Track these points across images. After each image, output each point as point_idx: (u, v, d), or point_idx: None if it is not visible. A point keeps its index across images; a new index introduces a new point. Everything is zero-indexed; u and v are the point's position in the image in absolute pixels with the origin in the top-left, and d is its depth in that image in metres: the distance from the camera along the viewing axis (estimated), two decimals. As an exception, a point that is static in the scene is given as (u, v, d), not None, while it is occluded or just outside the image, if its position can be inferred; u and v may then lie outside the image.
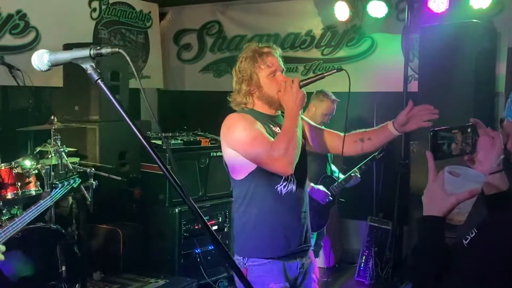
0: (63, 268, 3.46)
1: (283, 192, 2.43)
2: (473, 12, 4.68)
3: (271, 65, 2.45)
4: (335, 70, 2.46)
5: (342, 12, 5.40)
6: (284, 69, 2.53)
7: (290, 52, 6.00)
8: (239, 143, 2.37)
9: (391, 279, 4.94)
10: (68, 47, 4.80)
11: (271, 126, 2.48)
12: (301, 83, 2.39)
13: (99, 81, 1.36)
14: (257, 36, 6.24)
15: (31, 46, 5.19)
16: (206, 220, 1.46)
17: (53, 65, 1.42)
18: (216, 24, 6.55)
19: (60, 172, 3.72)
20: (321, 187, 4.28)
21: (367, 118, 5.32)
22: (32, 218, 2.99)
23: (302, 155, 2.50)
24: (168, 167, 1.41)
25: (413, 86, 5.05)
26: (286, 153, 2.28)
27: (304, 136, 2.60)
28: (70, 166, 3.88)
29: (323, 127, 2.90)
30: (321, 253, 5.13)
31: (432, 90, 4.63)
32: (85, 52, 1.37)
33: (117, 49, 1.36)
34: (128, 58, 1.34)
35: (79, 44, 4.99)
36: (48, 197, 3.04)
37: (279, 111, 2.55)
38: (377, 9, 5.24)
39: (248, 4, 6.31)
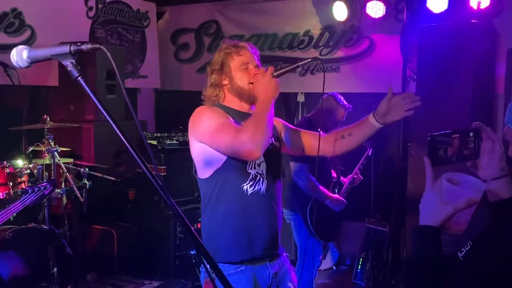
0: (55, 269, 3.41)
1: (249, 192, 2.33)
2: (473, 12, 4.64)
3: (244, 57, 2.39)
4: (309, 59, 2.38)
5: (340, 12, 5.37)
6: (259, 66, 2.44)
7: (288, 52, 5.96)
8: (206, 131, 2.28)
9: (388, 281, 4.90)
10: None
11: (242, 123, 2.33)
12: (274, 73, 2.31)
13: (79, 78, 1.31)
14: (255, 36, 6.20)
15: (27, 45, 5.13)
16: (187, 221, 1.40)
17: (33, 61, 1.38)
18: (214, 23, 6.51)
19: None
20: (337, 196, 4.21)
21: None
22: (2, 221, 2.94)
23: (275, 155, 2.44)
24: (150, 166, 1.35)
25: (412, 87, 5.00)
26: (254, 135, 2.15)
27: (278, 138, 2.53)
28: (63, 166, 3.84)
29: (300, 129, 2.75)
30: (328, 255, 5.14)
31: (431, 91, 4.59)
32: (65, 49, 1.33)
33: (97, 45, 1.31)
34: (109, 54, 1.30)
35: (76, 42, 4.97)
36: (18, 201, 2.98)
37: (252, 109, 2.42)
38: (375, 9, 5.21)
39: (246, 4, 6.27)
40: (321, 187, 4.00)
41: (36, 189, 3.06)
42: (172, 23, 6.79)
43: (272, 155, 2.43)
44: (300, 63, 2.40)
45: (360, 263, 5.12)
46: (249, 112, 2.40)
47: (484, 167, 1.46)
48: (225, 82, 2.40)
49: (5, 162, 3.62)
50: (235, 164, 2.31)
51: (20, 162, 3.70)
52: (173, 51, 6.82)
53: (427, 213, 1.41)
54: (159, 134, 4.94)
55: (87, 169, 4.05)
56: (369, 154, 4.65)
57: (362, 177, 4.47)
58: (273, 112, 2.29)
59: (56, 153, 3.75)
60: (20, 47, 1.38)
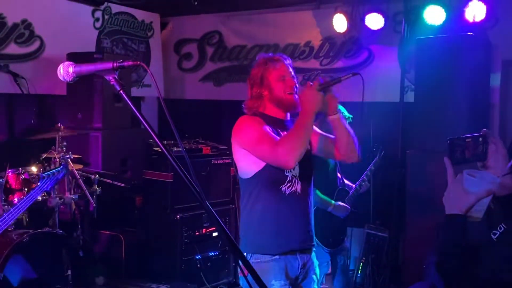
0: (69, 272, 3.53)
1: (287, 192, 2.57)
2: (468, 25, 4.79)
3: (281, 70, 2.62)
4: (350, 74, 2.61)
5: (340, 23, 5.51)
6: (295, 76, 2.67)
7: (289, 62, 6.10)
8: (248, 140, 2.52)
9: (388, 286, 5.01)
10: (72, 56, 4.91)
11: (279, 130, 2.61)
12: (318, 87, 2.52)
13: (121, 91, 1.45)
14: (257, 47, 6.35)
15: (36, 55, 5.29)
16: (219, 221, 1.54)
17: (78, 76, 1.51)
18: (217, 34, 6.66)
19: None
20: (340, 203, 4.25)
21: (363, 129, 5.42)
22: (26, 207, 3.06)
23: (308, 159, 2.65)
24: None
25: (410, 97, 5.15)
26: (291, 148, 2.41)
27: (309, 141, 2.71)
28: (76, 172, 3.96)
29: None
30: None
31: (428, 101, 4.73)
32: (108, 65, 1.46)
33: (138, 62, 1.45)
34: (148, 70, 1.44)
35: (83, 53, 5.12)
36: (36, 187, 3.11)
37: (289, 116, 2.69)
38: (374, 21, 5.35)
39: (248, 15, 6.42)
40: (322, 196, 4.06)
41: (51, 175, 3.20)
42: (176, 34, 6.94)
43: (306, 158, 2.64)
44: (343, 78, 2.60)
45: (360, 268, 5.21)
46: (285, 119, 2.67)
47: (492, 167, 1.69)
48: (266, 93, 2.62)
49: (20, 169, 3.74)
50: (274, 168, 2.54)
51: (34, 169, 3.82)
52: (177, 60, 6.96)
53: (453, 203, 1.63)
54: (165, 142, 5.06)
55: (97, 176, 4.16)
56: (377, 160, 4.67)
57: (368, 184, 4.52)
58: (312, 123, 2.51)
59: (69, 159, 3.87)
60: (67, 63, 1.51)
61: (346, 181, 4.52)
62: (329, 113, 2.66)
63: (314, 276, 2.74)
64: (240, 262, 1.54)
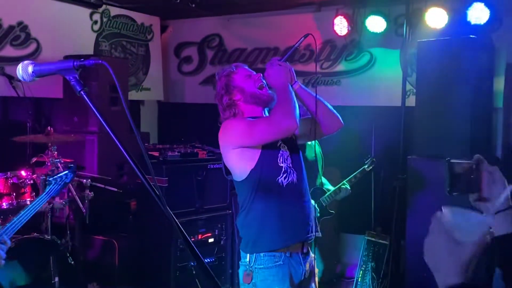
0: (56, 279, 3.45)
1: (285, 183, 2.52)
2: (471, 28, 4.70)
3: (243, 71, 2.61)
4: (302, 38, 2.64)
5: (341, 26, 5.44)
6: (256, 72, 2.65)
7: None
8: (241, 133, 2.46)
9: (388, 294, 4.92)
10: (68, 59, 4.85)
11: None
12: (280, 61, 2.53)
13: (82, 92, 1.37)
14: (257, 50, 6.29)
15: (32, 58, 5.23)
16: (184, 232, 1.45)
17: (38, 76, 1.43)
18: (217, 37, 6.61)
19: (52, 169, 3.75)
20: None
21: (365, 132, 5.34)
22: (33, 213, 2.97)
23: (295, 147, 2.63)
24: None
25: (411, 101, 5.05)
26: (286, 111, 2.38)
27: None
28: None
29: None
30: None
31: (430, 105, 4.64)
32: (68, 64, 1.38)
33: (99, 61, 1.37)
34: (110, 69, 1.36)
35: (80, 56, 5.06)
36: (44, 194, 3.03)
37: (267, 112, 2.64)
38: (376, 24, 5.28)
39: (249, 18, 6.36)
40: None
41: (58, 179, 3.13)
42: (176, 37, 6.89)
43: (294, 147, 2.63)
44: (296, 44, 2.65)
45: (360, 275, 5.13)
46: (264, 116, 2.62)
47: (488, 199, 1.51)
48: (238, 97, 2.57)
49: (9, 173, 3.68)
50: (268, 160, 2.50)
51: (23, 173, 3.75)
52: (176, 64, 6.91)
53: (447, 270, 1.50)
54: (161, 146, 4.99)
55: (89, 180, 4.09)
56: (367, 169, 4.62)
57: (350, 190, 4.44)
58: (292, 93, 2.47)
59: (59, 164, 3.80)
60: (26, 62, 1.44)
61: (328, 187, 4.46)
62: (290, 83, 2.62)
63: (313, 284, 2.71)
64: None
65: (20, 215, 2.81)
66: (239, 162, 2.52)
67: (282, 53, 6.09)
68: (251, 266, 2.51)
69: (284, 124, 2.38)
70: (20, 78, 1.44)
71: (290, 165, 2.55)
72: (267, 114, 2.64)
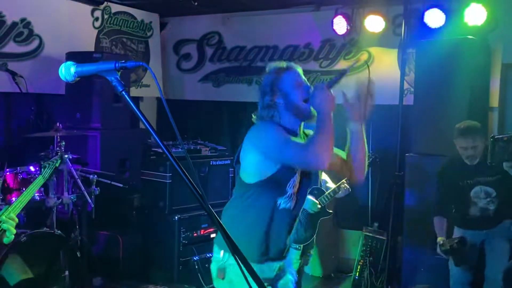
0: (66, 272, 3.51)
1: (281, 207, 2.48)
2: (468, 28, 4.79)
3: (296, 76, 2.47)
4: (354, 62, 2.47)
5: (340, 26, 5.51)
6: (308, 84, 2.52)
7: (289, 64, 6.10)
8: (272, 145, 2.37)
9: (385, 288, 5.01)
10: (71, 55, 4.89)
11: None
12: (328, 85, 2.38)
13: (123, 92, 1.44)
14: (256, 48, 6.35)
15: (35, 54, 5.27)
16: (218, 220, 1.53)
17: (80, 76, 1.50)
18: (216, 35, 6.65)
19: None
20: (310, 197, 4.27)
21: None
22: (31, 196, 3.05)
23: (307, 175, 2.55)
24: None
25: (409, 100, 5.14)
26: (320, 148, 2.28)
27: None
28: (74, 172, 3.94)
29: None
30: (312, 262, 5.17)
31: (427, 104, 4.74)
32: (110, 65, 1.45)
33: (140, 63, 1.44)
34: (151, 71, 1.43)
35: (82, 53, 5.11)
36: (40, 176, 3.11)
37: (302, 126, 2.54)
38: (374, 23, 5.36)
39: (248, 16, 6.41)
40: None
41: (50, 164, 3.21)
42: (175, 34, 6.93)
43: (308, 174, 2.56)
44: (347, 68, 2.44)
45: (358, 270, 5.22)
46: (297, 132, 2.50)
47: None
48: (280, 101, 2.46)
49: (18, 168, 3.73)
50: (279, 180, 2.45)
51: (32, 168, 3.80)
52: (176, 61, 6.95)
53: None
54: (164, 142, 5.04)
55: (95, 176, 4.15)
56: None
57: (349, 188, 4.53)
58: (333, 124, 2.35)
59: (68, 159, 3.85)
60: (68, 63, 1.50)
61: (328, 184, 4.53)
62: (354, 119, 2.47)
63: (291, 276, 2.67)
64: (241, 264, 1.51)
65: (23, 195, 2.88)
66: (254, 166, 2.47)
67: (281, 52, 6.18)
68: (224, 262, 2.49)
69: (315, 161, 2.31)
70: (62, 78, 1.50)
71: (296, 191, 2.50)
72: (302, 129, 2.54)
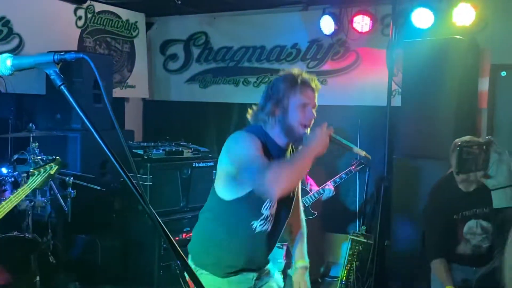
0: (37, 278, 3.39)
1: (257, 230, 2.39)
2: (457, 28, 4.72)
3: (306, 97, 2.35)
4: (364, 152, 2.36)
5: (327, 26, 5.44)
6: (317, 105, 2.41)
7: (276, 64, 6.02)
8: (240, 158, 2.25)
9: (372, 293, 4.92)
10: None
11: (279, 158, 2.37)
12: (331, 135, 2.27)
13: (62, 86, 1.33)
14: (243, 48, 6.26)
15: (15, 53, 5.14)
16: (168, 232, 1.42)
17: (16, 69, 1.39)
18: (203, 35, 6.56)
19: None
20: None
21: (350, 132, 5.34)
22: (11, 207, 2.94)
23: (289, 203, 2.51)
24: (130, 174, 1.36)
25: (397, 101, 5.06)
26: (280, 178, 2.10)
27: (297, 190, 2.60)
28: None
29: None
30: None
31: (415, 105, 4.65)
32: (48, 58, 1.34)
33: (80, 55, 1.33)
34: (92, 63, 1.32)
35: (63, 52, 4.99)
36: (25, 185, 2.97)
37: (287, 145, 2.43)
38: (362, 23, 5.30)
39: (235, 16, 6.32)
40: None
41: (42, 171, 3.06)
42: (161, 34, 6.83)
43: (288, 201, 2.49)
44: (356, 149, 2.35)
45: (345, 275, 5.13)
46: (284, 148, 2.41)
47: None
48: (278, 113, 2.35)
49: (-11, 170, 3.61)
50: (253, 202, 2.33)
51: (4, 170, 3.68)
52: (162, 61, 6.85)
53: None
54: (145, 144, 4.94)
55: (71, 178, 4.03)
56: (353, 170, 4.66)
57: (333, 191, 4.45)
58: (310, 164, 2.23)
59: (41, 161, 3.73)
60: (4, 55, 1.39)
61: (313, 187, 4.45)
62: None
63: (274, 284, 2.59)
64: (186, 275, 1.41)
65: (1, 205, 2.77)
66: (228, 184, 2.35)
67: (268, 52, 6.09)
68: (197, 271, 2.39)
69: (267, 186, 2.11)
70: (-3, 71, 1.39)
71: (272, 213, 2.41)
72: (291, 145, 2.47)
